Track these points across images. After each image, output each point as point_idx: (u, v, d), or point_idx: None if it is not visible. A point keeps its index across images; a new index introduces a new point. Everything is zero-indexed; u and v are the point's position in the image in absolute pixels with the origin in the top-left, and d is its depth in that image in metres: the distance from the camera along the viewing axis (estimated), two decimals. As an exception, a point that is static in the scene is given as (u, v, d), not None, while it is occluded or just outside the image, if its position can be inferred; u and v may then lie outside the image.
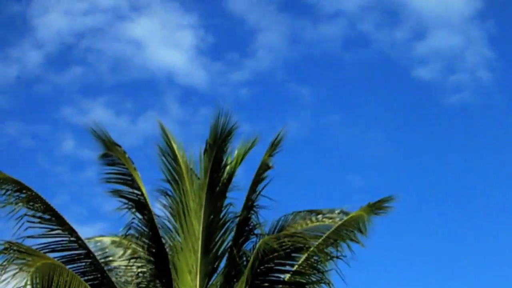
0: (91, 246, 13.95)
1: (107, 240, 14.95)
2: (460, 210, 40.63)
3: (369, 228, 12.79)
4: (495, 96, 39.84)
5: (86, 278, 12.72)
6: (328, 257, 12.33)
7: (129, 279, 14.16)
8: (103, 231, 15.40)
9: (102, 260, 14.21)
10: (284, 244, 11.60)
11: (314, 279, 12.31)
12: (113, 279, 13.74)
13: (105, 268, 13.69)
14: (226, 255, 13.24)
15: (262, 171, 13.24)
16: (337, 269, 12.32)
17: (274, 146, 13.29)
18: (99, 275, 13.08)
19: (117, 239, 14.53)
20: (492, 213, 40.36)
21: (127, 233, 13.65)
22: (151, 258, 13.52)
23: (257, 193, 13.31)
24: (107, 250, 14.80)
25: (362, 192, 37.82)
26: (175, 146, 13.81)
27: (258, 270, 11.83)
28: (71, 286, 11.48)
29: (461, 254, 40.40)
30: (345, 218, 13.49)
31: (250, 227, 13.41)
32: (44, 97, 38.87)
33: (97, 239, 14.86)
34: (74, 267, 12.69)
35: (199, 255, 13.07)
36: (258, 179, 13.32)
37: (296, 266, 12.47)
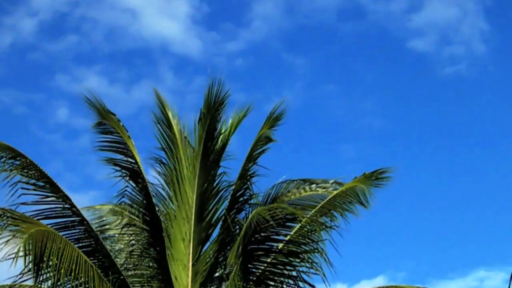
0: (89, 214, 14.02)
1: (105, 208, 14.99)
2: (454, 183, 40.76)
3: (370, 200, 12.82)
4: (490, 68, 39.81)
5: (79, 245, 12.73)
6: (322, 227, 12.34)
7: (124, 247, 14.22)
8: (97, 199, 15.46)
9: (98, 228, 14.26)
10: (276, 215, 11.62)
11: (307, 248, 12.34)
12: (108, 247, 13.78)
13: (100, 236, 13.73)
14: (220, 223, 13.29)
15: (263, 143, 13.28)
16: (331, 240, 12.33)
17: (275, 119, 13.28)
18: (93, 242, 13.11)
19: (115, 208, 14.55)
20: (488, 182, 40.54)
21: (121, 201, 13.68)
22: (145, 226, 13.55)
23: (253, 163, 13.33)
24: (104, 218, 14.85)
25: (355, 162, 37.91)
26: (170, 114, 13.78)
27: (252, 239, 11.86)
28: (64, 253, 11.49)
29: (457, 226, 40.59)
30: (339, 188, 13.51)
31: (245, 197, 13.44)
32: (38, 65, 38.78)
33: (97, 207, 14.92)
34: (67, 234, 12.71)
35: (192, 223, 13.10)
36: (255, 150, 13.33)
37: (289, 236, 12.49)
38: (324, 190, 14.12)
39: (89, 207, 14.60)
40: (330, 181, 14.28)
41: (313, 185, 14.38)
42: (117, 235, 14.50)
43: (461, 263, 43.62)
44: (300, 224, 12.42)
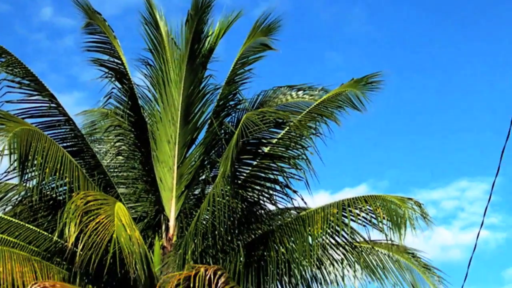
0: (77, 118, 14.00)
1: (92, 112, 14.99)
2: (441, 92, 40.82)
3: (366, 104, 12.73)
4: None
5: (65, 144, 12.70)
6: (310, 132, 12.29)
7: (110, 149, 14.25)
8: (82, 100, 15.45)
9: (86, 131, 14.27)
10: (266, 119, 11.61)
11: (292, 154, 12.36)
12: (95, 149, 13.78)
13: (89, 138, 13.72)
14: (205, 126, 13.29)
15: (259, 49, 13.18)
16: (315, 147, 12.30)
17: (270, 27, 13.12)
18: (79, 142, 13.08)
19: (102, 111, 14.53)
20: (477, 90, 40.72)
21: (108, 103, 13.64)
22: (131, 128, 13.52)
23: (244, 69, 13.25)
24: (92, 122, 14.86)
25: (341, 70, 37.80)
26: (157, 15, 13.58)
27: (239, 144, 11.86)
28: (49, 152, 11.49)
29: (441, 135, 40.90)
30: (325, 95, 13.44)
31: (232, 102, 13.41)
32: (21, -39, 37.96)
33: (85, 111, 14.91)
34: (53, 133, 12.65)
35: (178, 125, 13.08)
36: (246, 55, 13.22)
37: (276, 140, 12.49)
38: (311, 97, 14.08)
39: (78, 113, 14.62)
40: (317, 88, 14.22)
41: (300, 92, 14.34)
42: (103, 138, 14.52)
43: (443, 173, 44.16)
44: (286, 129, 12.40)
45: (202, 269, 9.95)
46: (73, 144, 12.96)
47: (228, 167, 11.16)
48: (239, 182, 12.26)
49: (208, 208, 11.54)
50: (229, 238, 11.93)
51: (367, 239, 11.77)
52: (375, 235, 11.85)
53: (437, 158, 44.09)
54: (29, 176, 11.70)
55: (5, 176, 11.93)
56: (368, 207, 11.34)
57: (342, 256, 12.16)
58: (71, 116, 12.94)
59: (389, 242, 11.55)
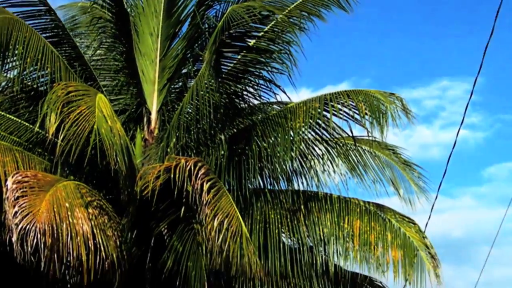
0: (60, 14, 13.75)
1: (76, 7, 14.78)
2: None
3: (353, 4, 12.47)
4: None
5: (46, 35, 12.51)
6: (294, 27, 12.11)
7: (92, 42, 14.08)
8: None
9: (69, 26, 14.06)
10: (251, 12, 11.43)
11: (276, 48, 12.24)
12: (77, 43, 13.60)
13: (70, 33, 13.52)
14: (188, 20, 13.09)
15: None
16: (299, 43, 12.14)
17: None
18: (60, 33, 12.91)
19: (84, 4, 14.30)
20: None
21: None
22: (113, 19, 13.30)
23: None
24: (76, 17, 14.64)
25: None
26: None
27: (223, 36, 11.73)
28: (30, 41, 11.37)
29: (423, 33, 40.57)
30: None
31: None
32: None
33: (68, 5, 14.69)
34: (34, 23, 12.44)
35: (161, 18, 12.89)
36: None
37: (261, 34, 12.33)
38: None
39: (57, 7, 14.33)
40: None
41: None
42: (85, 32, 14.31)
43: (425, 72, 44.09)
44: (272, 24, 12.22)
45: (183, 161, 9.99)
46: (54, 34, 12.77)
47: (212, 54, 11.05)
48: (223, 75, 12.19)
49: (191, 101, 11.50)
50: (212, 132, 11.93)
51: (348, 134, 11.79)
52: (357, 131, 11.88)
53: (419, 57, 43.96)
54: (10, 66, 11.65)
55: (-15, 65, 11.82)
56: (350, 102, 11.31)
57: (324, 151, 12.21)
58: (51, 6, 12.74)
59: (370, 137, 11.59)
